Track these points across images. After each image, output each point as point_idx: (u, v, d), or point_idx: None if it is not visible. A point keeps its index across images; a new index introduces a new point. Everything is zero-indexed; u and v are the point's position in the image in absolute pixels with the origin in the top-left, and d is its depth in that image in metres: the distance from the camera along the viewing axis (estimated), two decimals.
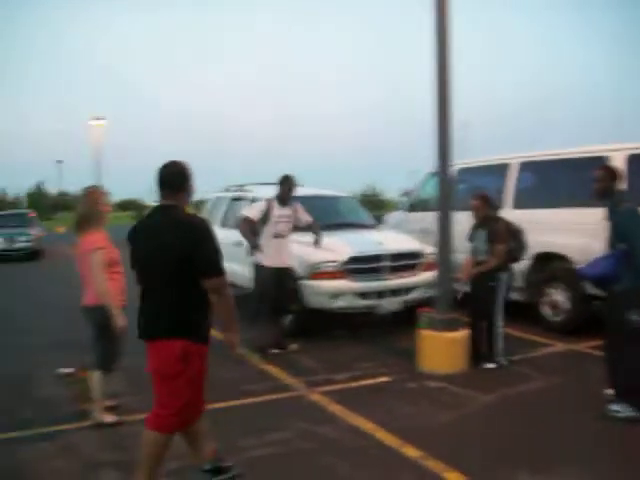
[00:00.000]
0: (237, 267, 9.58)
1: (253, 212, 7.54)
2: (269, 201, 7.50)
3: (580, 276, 5.72)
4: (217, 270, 3.66)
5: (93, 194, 5.50)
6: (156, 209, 3.92)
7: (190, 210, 4.08)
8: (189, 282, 3.63)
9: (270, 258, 7.39)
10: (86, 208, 5.37)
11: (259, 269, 7.49)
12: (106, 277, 5.12)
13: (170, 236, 3.64)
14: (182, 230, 3.64)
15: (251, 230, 7.48)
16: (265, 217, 7.40)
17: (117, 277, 5.31)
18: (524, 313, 8.71)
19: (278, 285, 7.39)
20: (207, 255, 3.63)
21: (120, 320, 5.08)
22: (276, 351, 7.54)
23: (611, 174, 5.36)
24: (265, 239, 7.42)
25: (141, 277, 3.87)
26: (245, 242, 7.79)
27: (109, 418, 5.35)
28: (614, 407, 5.22)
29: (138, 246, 3.88)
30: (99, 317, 5.16)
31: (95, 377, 5.33)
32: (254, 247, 7.42)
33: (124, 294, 5.39)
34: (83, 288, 5.36)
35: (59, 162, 54.90)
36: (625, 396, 5.21)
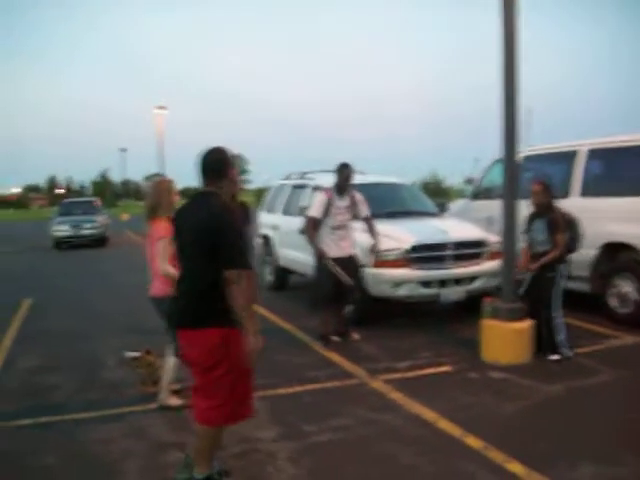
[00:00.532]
0: (300, 255, 9.69)
1: (317, 210, 7.43)
2: (328, 192, 7.51)
3: None
4: (237, 262, 3.57)
5: (162, 184, 5.65)
6: (196, 195, 3.94)
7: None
8: (219, 271, 3.58)
9: (330, 248, 7.40)
10: (155, 197, 5.51)
11: (320, 259, 7.53)
12: (171, 266, 5.23)
13: (198, 224, 3.65)
14: (208, 217, 3.63)
15: (315, 228, 7.47)
16: (326, 209, 7.39)
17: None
18: (590, 304, 8.55)
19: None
20: (228, 245, 3.57)
21: None
22: (338, 339, 7.60)
23: None
24: (325, 230, 7.42)
25: (180, 262, 3.93)
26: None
27: (175, 401, 5.51)
28: None
29: (176, 230, 3.92)
30: (166, 308, 5.29)
31: (170, 362, 5.48)
32: (317, 250, 7.42)
33: None
34: (151, 277, 5.51)
35: (123, 150, 56.14)
36: None
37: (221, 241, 3.56)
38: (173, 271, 5.03)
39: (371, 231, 7.67)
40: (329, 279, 7.37)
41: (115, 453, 4.67)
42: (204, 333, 3.65)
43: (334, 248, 7.40)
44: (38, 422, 5.36)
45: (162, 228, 5.29)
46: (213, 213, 3.64)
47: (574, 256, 6.96)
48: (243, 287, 3.56)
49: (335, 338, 7.59)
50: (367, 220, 7.69)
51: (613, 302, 8.24)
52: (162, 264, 5.25)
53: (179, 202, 5.67)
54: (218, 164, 3.84)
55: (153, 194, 5.57)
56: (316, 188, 9.54)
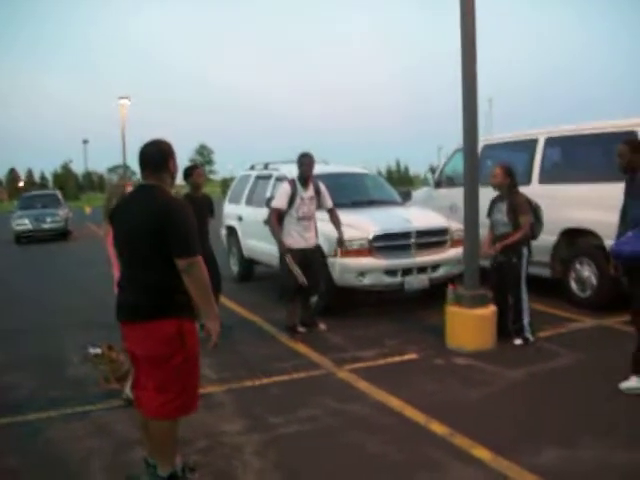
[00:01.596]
0: (265, 246, 9.67)
1: (281, 201, 7.37)
2: (292, 183, 7.48)
3: (615, 255, 5.42)
4: (187, 251, 3.54)
5: (120, 187, 5.66)
6: (137, 189, 3.88)
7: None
8: (169, 262, 3.56)
9: (294, 240, 7.38)
10: (114, 194, 5.50)
11: (281, 252, 7.48)
12: None
13: (144, 216, 3.59)
14: (155, 209, 3.58)
15: (279, 219, 7.43)
16: (290, 200, 7.35)
17: None
18: (551, 289, 8.69)
19: (304, 265, 7.38)
20: (177, 235, 3.53)
21: None
22: (304, 330, 7.61)
23: (634, 148, 5.29)
24: (289, 221, 7.39)
25: (122, 257, 3.86)
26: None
27: None
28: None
29: (118, 226, 3.85)
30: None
31: None
32: (280, 244, 7.37)
33: None
34: (114, 271, 5.48)
35: (85, 142, 55.14)
36: None
37: (168, 231, 3.51)
38: None
39: (335, 222, 7.67)
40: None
41: (80, 452, 4.61)
42: (158, 325, 3.59)
43: (299, 239, 7.38)
44: None
45: None
46: (157, 205, 3.59)
47: (535, 242, 7.05)
48: (195, 275, 3.55)
49: (301, 329, 7.60)
50: (331, 211, 7.68)
51: (573, 286, 8.38)
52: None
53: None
54: (157, 156, 3.76)
55: (111, 190, 5.58)
56: (279, 179, 9.52)
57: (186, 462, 4.06)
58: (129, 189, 5.58)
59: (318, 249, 7.70)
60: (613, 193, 7.55)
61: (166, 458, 3.81)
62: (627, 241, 5.18)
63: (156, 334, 3.60)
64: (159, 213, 3.55)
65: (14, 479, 4.31)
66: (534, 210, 6.90)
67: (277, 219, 7.38)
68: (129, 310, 3.71)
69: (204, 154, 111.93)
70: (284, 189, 7.43)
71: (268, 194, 9.72)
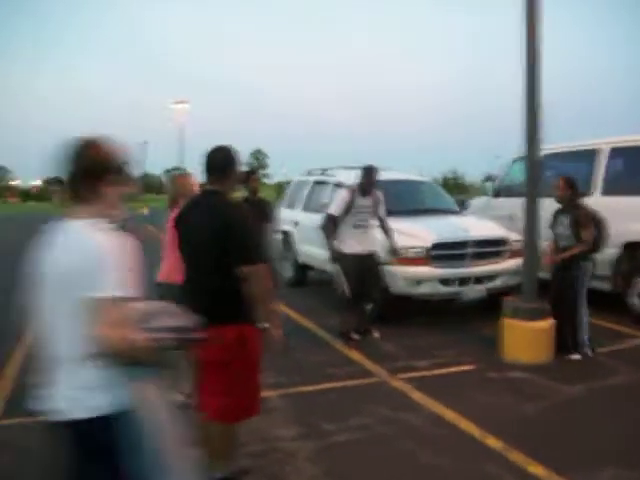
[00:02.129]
0: (320, 251, 9.70)
1: (337, 208, 7.40)
2: (351, 190, 7.50)
3: None
4: (248, 258, 3.59)
5: (179, 178, 5.83)
6: (201, 194, 3.97)
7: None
8: (232, 268, 3.60)
9: (350, 246, 7.39)
10: (173, 190, 5.68)
11: (340, 256, 7.52)
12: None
13: (207, 223, 3.68)
14: (218, 217, 3.66)
15: (334, 225, 7.45)
16: (347, 207, 7.38)
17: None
18: (611, 303, 8.50)
19: (359, 271, 7.39)
20: (239, 243, 3.58)
21: None
22: (358, 337, 7.62)
23: None
24: (345, 228, 7.41)
25: (186, 262, 3.94)
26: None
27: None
28: None
29: (182, 231, 3.95)
30: (163, 292, 5.45)
31: None
32: (331, 251, 7.42)
33: None
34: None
35: (144, 143, 55.90)
36: None
37: (232, 238, 3.58)
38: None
39: (386, 231, 7.70)
40: (350, 277, 7.38)
41: None
42: (220, 330, 3.62)
43: (355, 245, 7.40)
44: None
45: (172, 217, 5.45)
46: (220, 212, 3.68)
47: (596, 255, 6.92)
48: (258, 282, 3.60)
49: (355, 336, 7.60)
50: (382, 220, 7.70)
51: (634, 301, 8.19)
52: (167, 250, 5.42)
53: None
54: (223, 162, 3.85)
55: (172, 187, 5.77)
56: (337, 185, 9.55)
57: (240, 465, 4.12)
58: (189, 179, 5.75)
59: (374, 256, 7.70)
60: None
61: (222, 460, 3.89)
62: None
63: (216, 339, 3.66)
64: (222, 221, 3.63)
65: None
66: (597, 224, 6.76)
67: (331, 225, 7.42)
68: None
69: (259, 158, 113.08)
70: (342, 197, 7.46)
71: (326, 200, 9.76)
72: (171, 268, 5.34)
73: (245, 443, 4.60)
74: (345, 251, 7.40)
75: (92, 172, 2.34)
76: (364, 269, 7.40)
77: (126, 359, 2.21)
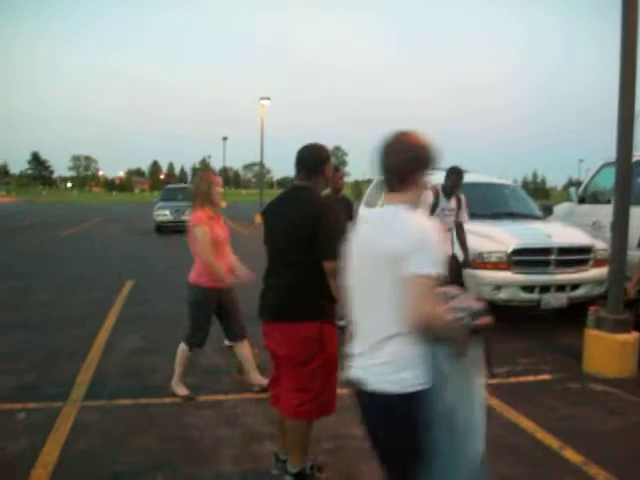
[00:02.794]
0: None
1: (425, 209, 7.26)
2: (435, 192, 7.39)
3: None
4: (335, 253, 3.42)
5: (202, 177, 5.87)
6: (290, 189, 3.95)
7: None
8: (315, 264, 3.61)
9: None
10: (195, 188, 5.75)
11: None
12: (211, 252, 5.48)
13: (295, 218, 3.68)
14: (305, 211, 3.66)
15: None
16: (431, 209, 7.28)
17: (220, 255, 5.60)
18: None
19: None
20: (327, 238, 3.55)
21: (228, 278, 5.51)
22: None
23: None
24: None
25: (271, 255, 3.93)
26: None
27: (183, 391, 5.66)
28: None
29: (268, 224, 3.96)
30: (192, 295, 5.61)
31: (180, 350, 5.70)
32: None
33: (233, 272, 5.70)
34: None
35: (224, 139, 56.78)
36: None
37: (318, 234, 3.58)
38: (213, 260, 5.41)
39: (461, 240, 7.65)
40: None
41: (211, 439, 4.77)
42: (299, 327, 3.65)
43: None
44: (138, 403, 5.55)
45: (197, 217, 5.55)
46: (309, 207, 3.68)
47: None
48: (335, 278, 3.53)
49: None
50: (460, 226, 7.58)
51: None
52: (204, 253, 5.48)
53: (222, 193, 5.88)
54: (313, 159, 3.85)
55: (194, 185, 5.84)
56: None
57: (315, 461, 4.12)
58: (212, 179, 5.77)
59: (455, 259, 7.57)
60: None
61: (297, 456, 3.88)
62: None
63: (297, 336, 3.67)
64: (311, 216, 3.63)
65: (151, 457, 4.50)
66: None
67: None
68: (272, 309, 3.80)
69: (338, 155, 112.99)
70: (428, 197, 7.37)
71: None
72: (200, 271, 5.56)
73: (319, 439, 4.59)
74: None
75: (407, 164, 2.54)
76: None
77: (437, 336, 2.34)
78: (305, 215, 3.65)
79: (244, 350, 5.74)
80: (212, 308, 5.59)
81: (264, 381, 5.51)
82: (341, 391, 5.65)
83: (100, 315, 8.99)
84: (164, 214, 24.62)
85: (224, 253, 5.64)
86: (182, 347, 5.67)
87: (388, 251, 2.37)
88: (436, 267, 2.33)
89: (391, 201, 2.59)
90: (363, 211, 11.93)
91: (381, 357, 2.44)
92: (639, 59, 6.36)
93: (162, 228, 24.51)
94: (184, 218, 24.56)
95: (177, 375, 5.68)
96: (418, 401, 2.36)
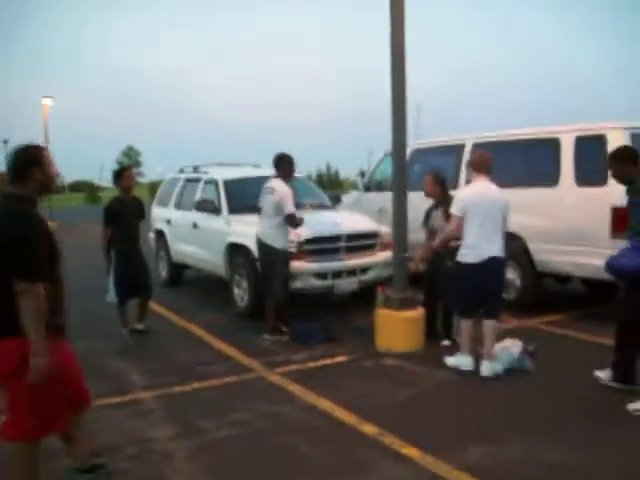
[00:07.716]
0: (194, 249, 9.62)
1: (293, 205, 7.33)
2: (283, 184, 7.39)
3: (613, 269, 5.17)
4: (22, 275, 3.25)
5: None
6: (2, 197, 3.57)
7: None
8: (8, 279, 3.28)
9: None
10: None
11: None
12: None
13: None
14: (4, 223, 3.34)
15: None
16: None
17: None
18: None
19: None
20: (15, 257, 3.25)
21: None
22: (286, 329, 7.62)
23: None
24: (282, 224, 7.38)
25: None
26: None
27: None
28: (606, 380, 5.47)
29: None
30: None
31: None
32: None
33: None
34: None
35: (5, 142, 52.70)
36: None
37: (10, 251, 3.26)
38: None
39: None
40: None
41: None
42: (3, 343, 3.34)
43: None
44: None
45: None
46: (13, 218, 3.35)
47: None
48: (31, 301, 3.25)
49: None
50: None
51: None
52: None
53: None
54: (19, 164, 3.46)
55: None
56: (209, 182, 9.50)
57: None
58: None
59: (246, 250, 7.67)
60: (538, 198, 7.89)
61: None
62: (625, 255, 5.11)
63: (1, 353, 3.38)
64: (6, 226, 3.32)
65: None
66: None
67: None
68: None
69: (131, 156, 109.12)
70: (289, 194, 7.35)
71: (197, 197, 9.67)
72: None
73: (119, 446, 4.49)
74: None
75: None
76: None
77: None
78: (3, 226, 3.33)
79: None
80: None
81: None
82: (142, 395, 5.61)
83: None
84: None
85: None
86: None
87: (499, 206, 5.99)
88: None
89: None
90: (156, 211, 11.70)
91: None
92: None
93: None
94: None
95: None
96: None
